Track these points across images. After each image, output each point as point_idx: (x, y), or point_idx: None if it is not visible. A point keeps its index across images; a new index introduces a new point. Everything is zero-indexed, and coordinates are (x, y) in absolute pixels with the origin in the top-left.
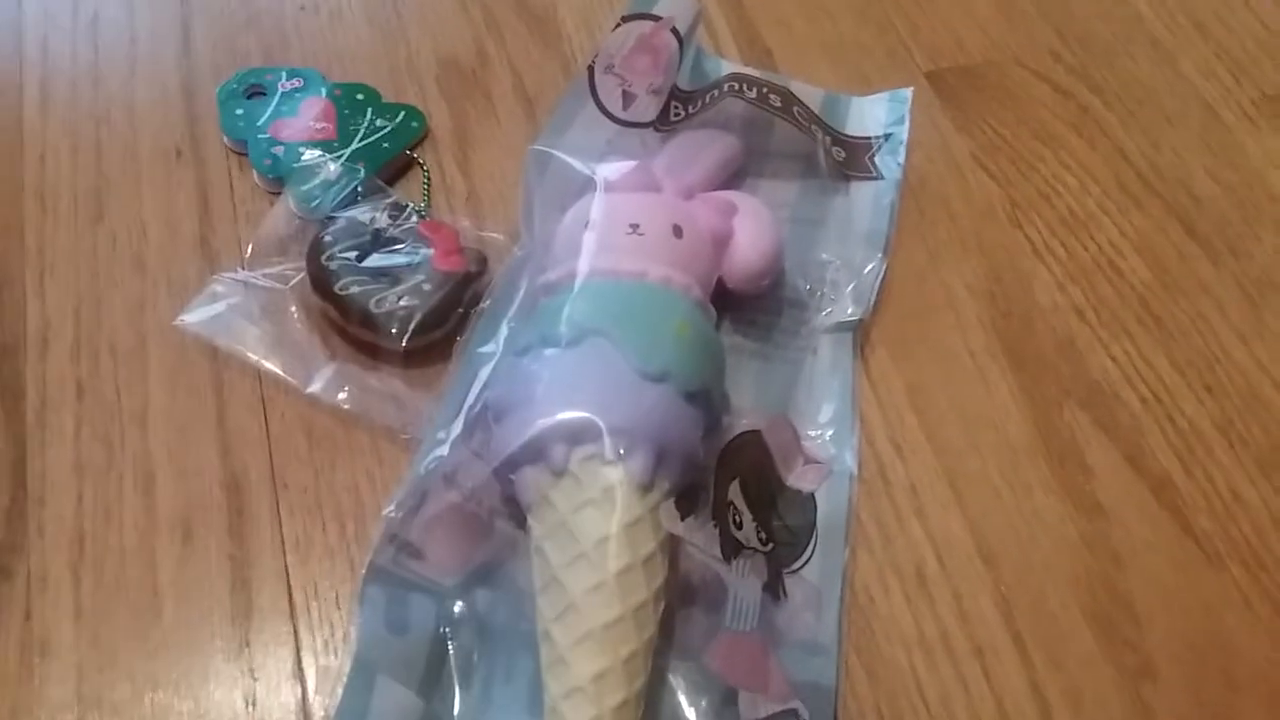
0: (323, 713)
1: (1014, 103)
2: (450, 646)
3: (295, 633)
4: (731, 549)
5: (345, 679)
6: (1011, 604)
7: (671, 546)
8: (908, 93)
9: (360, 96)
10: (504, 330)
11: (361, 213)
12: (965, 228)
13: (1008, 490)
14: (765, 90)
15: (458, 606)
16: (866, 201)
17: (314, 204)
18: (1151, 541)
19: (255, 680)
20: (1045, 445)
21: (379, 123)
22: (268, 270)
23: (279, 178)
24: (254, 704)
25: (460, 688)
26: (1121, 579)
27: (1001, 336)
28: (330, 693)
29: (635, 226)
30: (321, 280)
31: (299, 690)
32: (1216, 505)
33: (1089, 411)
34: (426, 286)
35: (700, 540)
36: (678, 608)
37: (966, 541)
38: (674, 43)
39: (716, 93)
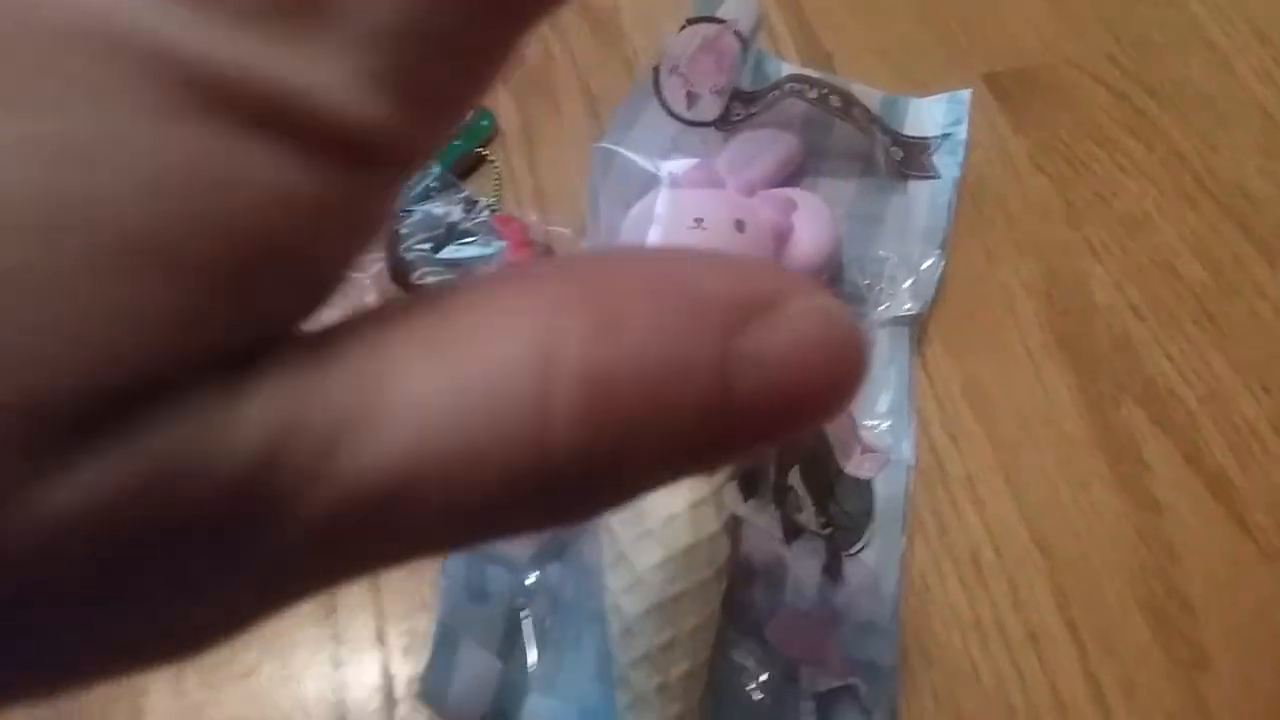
0: (406, 674)
1: (1070, 105)
2: (524, 615)
3: (378, 600)
4: (792, 532)
5: (432, 640)
6: (1067, 593)
7: (734, 527)
8: (965, 94)
9: None
10: None
11: (436, 207)
12: (1022, 227)
13: (1064, 484)
14: (825, 91)
15: (531, 578)
16: (924, 200)
17: None
18: (1207, 536)
19: (341, 644)
20: (1102, 441)
21: None
22: None
23: None
24: (340, 666)
25: (535, 653)
26: (1177, 572)
27: (1058, 334)
28: (415, 654)
29: (699, 221)
30: (399, 270)
31: (382, 654)
32: (1272, 501)
33: (1145, 409)
34: None
35: (762, 522)
36: (740, 585)
37: (1022, 532)
38: (736, 45)
39: (777, 93)
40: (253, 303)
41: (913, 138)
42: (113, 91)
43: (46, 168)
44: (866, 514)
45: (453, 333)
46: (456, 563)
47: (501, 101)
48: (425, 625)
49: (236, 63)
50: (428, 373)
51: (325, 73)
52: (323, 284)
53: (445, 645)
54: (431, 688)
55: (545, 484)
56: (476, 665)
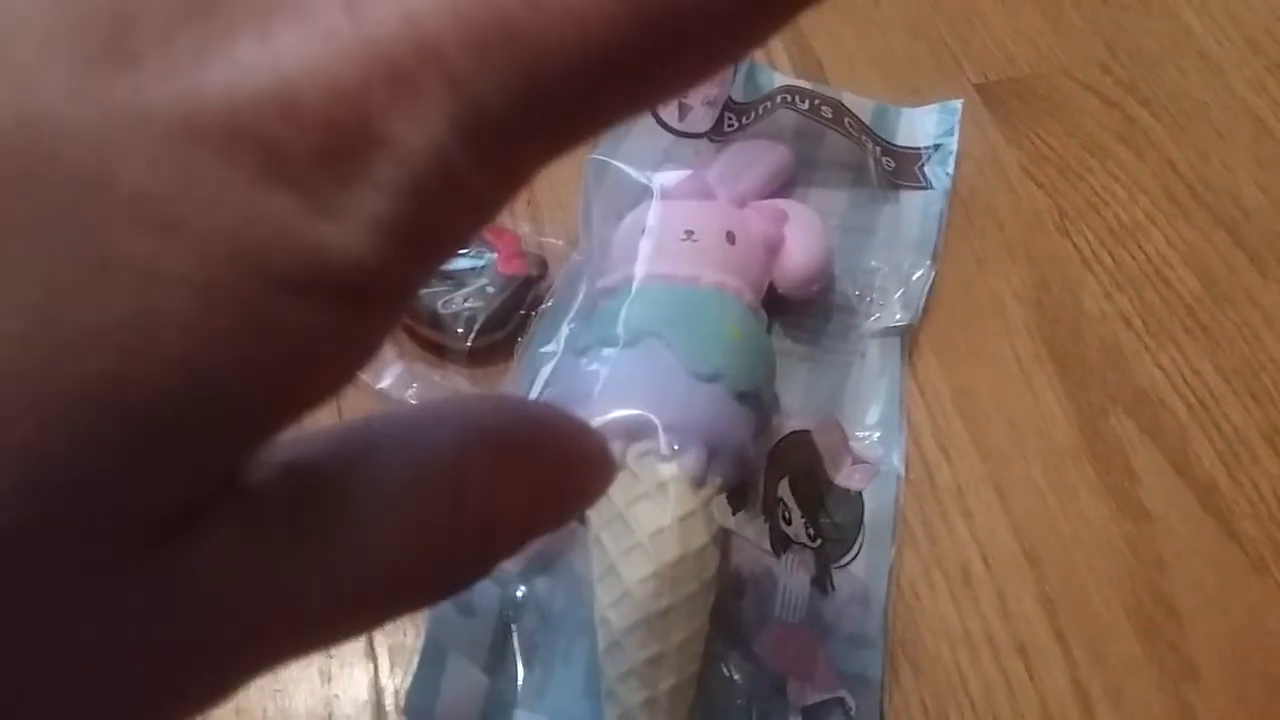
0: (394, 687)
1: (1063, 114)
2: (513, 629)
3: None
4: (781, 543)
5: (419, 655)
6: (1055, 604)
7: (723, 540)
8: (957, 104)
9: None
10: (564, 331)
11: None
12: (1013, 237)
13: (1053, 493)
14: (817, 102)
15: (519, 592)
16: (916, 210)
17: None
18: (1195, 545)
19: (330, 657)
20: (1091, 450)
21: None
22: None
23: None
24: (329, 680)
25: (523, 668)
26: (1165, 581)
27: (1048, 343)
28: (404, 667)
29: (690, 233)
30: None
31: (371, 667)
32: (1261, 511)
33: (1135, 418)
34: (490, 289)
35: (751, 534)
36: (729, 598)
37: (1011, 542)
38: None
39: (769, 104)
40: (251, 443)
41: (904, 148)
42: (168, 275)
43: (89, 351)
44: (856, 525)
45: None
46: None
47: None
48: (415, 639)
49: (278, 229)
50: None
51: (346, 224)
52: (309, 408)
53: (431, 660)
54: (417, 703)
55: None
56: (463, 680)
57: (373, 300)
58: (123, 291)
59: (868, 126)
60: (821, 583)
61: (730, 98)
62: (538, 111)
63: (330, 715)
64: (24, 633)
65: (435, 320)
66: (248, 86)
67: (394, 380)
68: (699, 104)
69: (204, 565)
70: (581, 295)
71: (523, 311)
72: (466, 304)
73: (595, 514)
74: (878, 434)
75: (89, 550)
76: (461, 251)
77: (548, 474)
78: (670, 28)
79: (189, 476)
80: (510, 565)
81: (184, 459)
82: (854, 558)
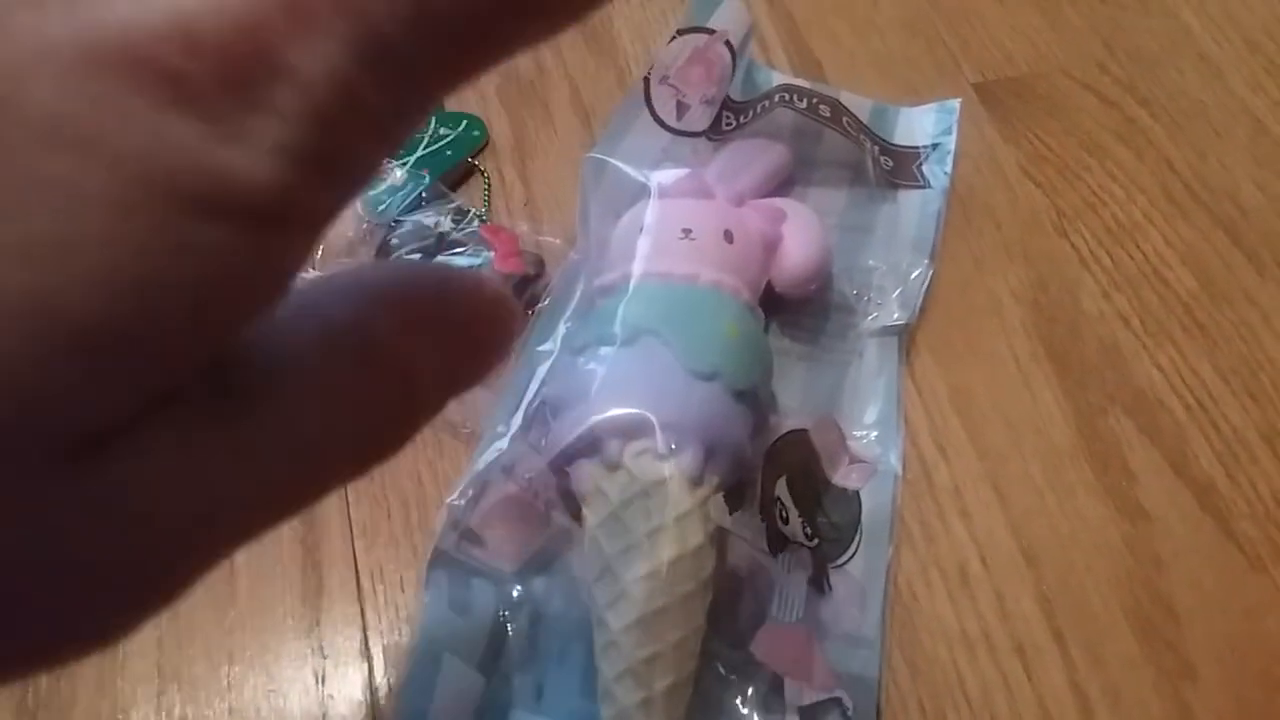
0: (389, 688)
1: (1061, 114)
2: (509, 629)
3: (362, 613)
4: (778, 543)
5: (414, 655)
6: (1053, 604)
7: (720, 540)
8: (955, 103)
9: None
10: (561, 330)
11: (426, 217)
12: (1011, 236)
13: (1050, 493)
14: (815, 100)
15: (516, 592)
16: (913, 209)
17: (381, 208)
18: (1193, 545)
19: (325, 658)
20: (1089, 450)
21: (442, 131)
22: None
23: None
24: (323, 680)
25: (518, 668)
26: (1163, 581)
27: (1046, 343)
28: (397, 669)
29: (688, 231)
30: None
31: (366, 667)
32: (1259, 511)
33: (1133, 417)
34: None
35: (748, 534)
36: (725, 598)
37: (1009, 542)
38: (727, 55)
39: (767, 103)
40: (178, 362)
41: (902, 147)
42: (85, 194)
43: (16, 265)
44: (853, 525)
45: None
46: (440, 574)
47: (493, 111)
48: (410, 639)
49: (184, 152)
50: None
51: (250, 149)
52: (232, 330)
53: (426, 660)
54: (411, 704)
55: None
56: (459, 680)
57: (283, 223)
58: (45, 209)
59: (866, 125)
60: (818, 582)
61: (728, 96)
62: (432, 36)
63: (325, 716)
64: None
65: None
66: (147, 19)
67: None
68: (697, 103)
69: (145, 469)
70: (579, 294)
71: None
72: None
73: (591, 513)
74: (875, 433)
75: (22, 460)
76: (459, 250)
77: (453, 325)
78: None
79: (118, 390)
80: (507, 565)
81: (111, 373)
82: (851, 557)
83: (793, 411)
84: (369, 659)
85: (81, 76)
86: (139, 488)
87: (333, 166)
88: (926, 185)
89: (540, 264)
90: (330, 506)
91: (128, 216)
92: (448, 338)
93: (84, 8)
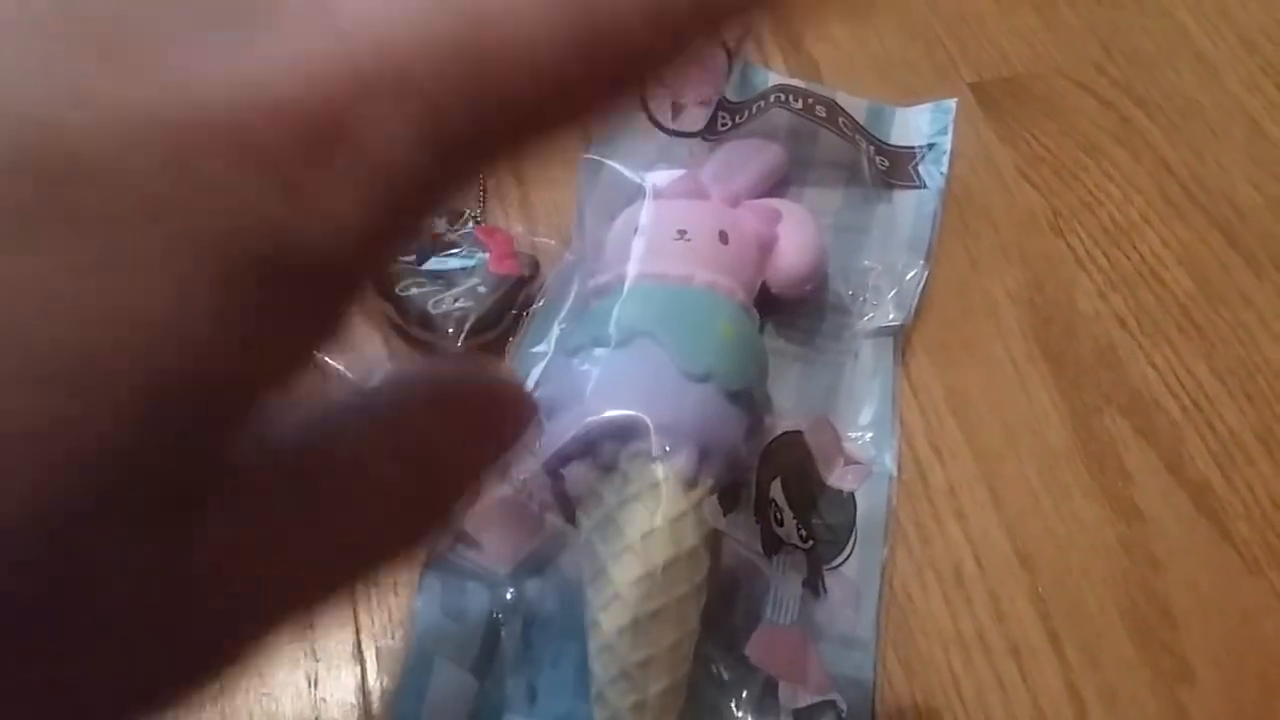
0: (381, 691)
1: (1057, 114)
2: (503, 631)
3: (355, 617)
4: (773, 545)
5: (406, 660)
6: (1049, 605)
7: (714, 541)
8: (951, 103)
9: None
10: (555, 331)
11: None
12: (1007, 236)
13: (1046, 494)
14: (811, 101)
15: (509, 594)
16: (909, 210)
17: None
18: (1189, 546)
19: (318, 661)
20: (1084, 450)
21: None
22: None
23: None
24: (316, 684)
25: (512, 670)
26: (1159, 583)
27: (1042, 343)
28: (390, 672)
29: (683, 232)
30: (382, 282)
31: (359, 671)
32: (1255, 512)
33: (1129, 418)
34: (482, 289)
35: (742, 536)
36: (720, 600)
37: (1004, 543)
38: (723, 56)
39: (763, 104)
40: (242, 412)
41: (898, 147)
42: (180, 266)
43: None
44: (848, 527)
45: None
46: (434, 578)
47: None
48: (402, 642)
49: (256, 215)
50: None
51: (317, 216)
52: (277, 389)
53: (419, 663)
54: (404, 707)
55: None
56: (451, 683)
57: (336, 284)
58: (144, 280)
59: (862, 126)
60: (813, 584)
61: (724, 97)
62: (491, 119)
63: (317, 719)
64: (39, 599)
65: (426, 320)
66: (243, 95)
67: None
68: (693, 103)
69: (196, 541)
70: (573, 295)
71: (514, 311)
72: (458, 304)
73: (585, 515)
74: (870, 434)
75: (105, 524)
76: (453, 251)
77: (474, 411)
78: (605, 54)
79: (186, 453)
80: (501, 567)
81: (181, 434)
82: (846, 559)
83: (788, 413)
84: (361, 662)
85: (167, 147)
86: (190, 556)
87: (386, 233)
88: (922, 185)
89: (535, 265)
90: None
91: (195, 277)
92: (469, 422)
93: (178, 73)
